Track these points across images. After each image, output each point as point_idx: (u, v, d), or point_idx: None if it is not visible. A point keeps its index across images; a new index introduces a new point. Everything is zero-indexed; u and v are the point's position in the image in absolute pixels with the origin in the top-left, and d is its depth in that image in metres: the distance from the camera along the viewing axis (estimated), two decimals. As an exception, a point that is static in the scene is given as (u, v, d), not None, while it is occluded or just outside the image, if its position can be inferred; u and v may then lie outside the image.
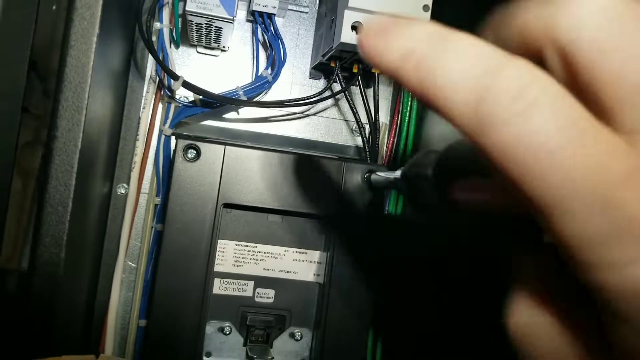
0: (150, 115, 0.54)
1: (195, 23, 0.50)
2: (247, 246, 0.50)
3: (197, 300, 0.47)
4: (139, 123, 0.54)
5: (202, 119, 0.56)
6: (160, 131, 0.53)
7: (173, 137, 0.52)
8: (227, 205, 0.49)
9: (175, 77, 0.49)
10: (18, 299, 0.38)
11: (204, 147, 0.48)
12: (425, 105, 0.16)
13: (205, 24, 0.50)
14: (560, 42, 0.15)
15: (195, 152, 0.48)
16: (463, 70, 0.15)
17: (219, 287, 0.49)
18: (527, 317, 0.18)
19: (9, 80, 0.40)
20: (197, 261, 0.47)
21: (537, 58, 0.16)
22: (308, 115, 0.58)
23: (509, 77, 0.14)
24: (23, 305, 0.36)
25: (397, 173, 0.41)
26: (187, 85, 0.49)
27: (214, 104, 0.53)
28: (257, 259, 0.50)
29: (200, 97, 0.52)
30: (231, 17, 0.48)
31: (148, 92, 0.54)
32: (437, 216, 0.33)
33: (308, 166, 0.50)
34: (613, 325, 0.15)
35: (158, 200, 0.53)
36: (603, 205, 0.14)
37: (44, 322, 0.36)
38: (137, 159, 0.53)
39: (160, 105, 0.54)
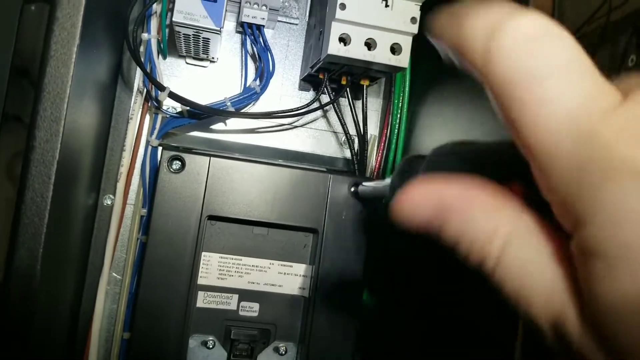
0: (137, 126, 0.53)
1: (183, 34, 0.50)
2: (232, 259, 0.49)
3: (180, 313, 0.47)
4: (125, 134, 0.53)
5: (189, 130, 0.56)
6: (147, 142, 0.53)
7: (160, 148, 0.52)
8: (212, 217, 0.48)
9: (162, 88, 0.49)
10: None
11: (188, 158, 0.47)
12: (456, 56, 0.18)
13: (193, 35, 0.49)
14: None
15: (180, 163, 0.47)
16: (484, 15, 0.17)
17: (202, 300, 0.49)
18: (518, 252, 0.18)
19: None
20: (181, 274, 0.47)
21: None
22: (297, 127, 0.58)
23: (523, 20, 0.17)
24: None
25: (386, 181, 0.41)
26: (173, 96, 0.49)
27: (201, 115, 0.52)
28: (241, 272, 0.49)
29: (187, 108, 0.51)
30: (218, 29, 0.48)
31: (135, 102, 0.54)
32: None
33: (294, 178, 0.49)
34: (586, 264, 0.16)
35: (144, 211, 0.52)
36: (582, 135, 0.15)
37: (20, 334, 0.35)
38: (124, 169, 0.53)
39: (147, 116, 0.54)
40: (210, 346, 0.49)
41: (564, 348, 0.17)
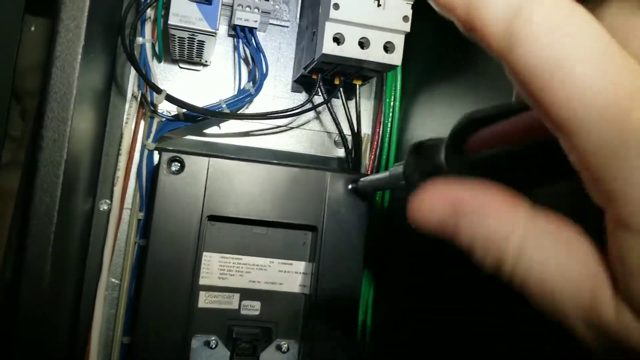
0: (132, 130, 0.54)
1: (178, 37, 0.50)
2: (233, 258, 0.50)
3: (182, 314, 0.47)
4: (121, 138, 0.53)
5: (185, 133, 0.56)
6: (143, 146, 0.53)
7: (156, 152, 0.52)
8: (212, 218, 0.48)
9: (159, 91, 0.49)
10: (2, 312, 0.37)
11: (188, 159, 0.48)
12: (464, 27, 0.18)
13: (188, 37, 0.50)
14: None
15: (179, 164, 0.48)
16: None
17: (204, 300, 0.49)
18: (538, 247, 0.18)
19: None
20: (183, 275, 0.47)
21: None
22: (291, 128, 0.59)
23: (548, 2, 0.16)
24: (8, 318, 0.35)
25: (385, 173, 0.41)
26: (170, 98, 0.49)
27: (197, 117, 0.53)
28: (242, 271, 0.50)
29: (184, 110, 0.52)
30: (214, 31, 0.49)
31: (131, 107, 0.54)
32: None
33: (292, 177, 0.50)
34: (621, 238, 0.16)
35: (141, 215, 0.52)
36: (612, 117, 0.15)
37: (29, 337, 0.35)
38: (120, 174, 0.53)
39: (142, 120, 0.54)
40: (213, 346, 0.49)
41: (600, 340, 0.17)
